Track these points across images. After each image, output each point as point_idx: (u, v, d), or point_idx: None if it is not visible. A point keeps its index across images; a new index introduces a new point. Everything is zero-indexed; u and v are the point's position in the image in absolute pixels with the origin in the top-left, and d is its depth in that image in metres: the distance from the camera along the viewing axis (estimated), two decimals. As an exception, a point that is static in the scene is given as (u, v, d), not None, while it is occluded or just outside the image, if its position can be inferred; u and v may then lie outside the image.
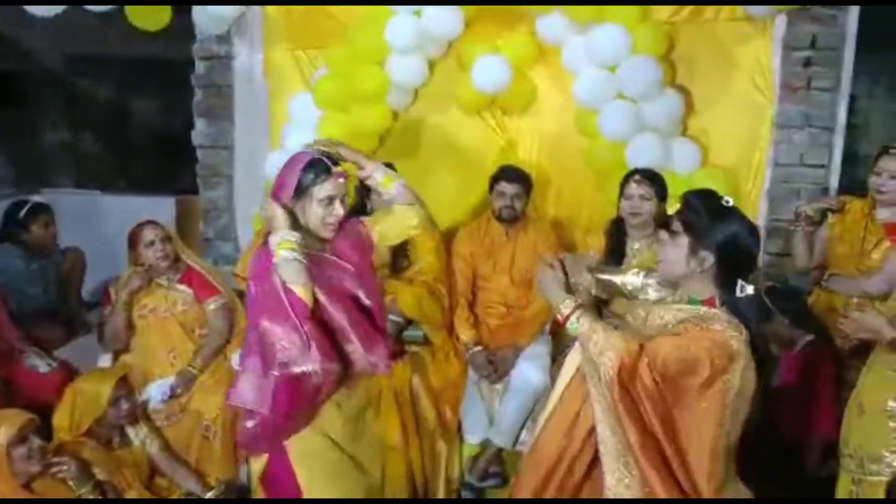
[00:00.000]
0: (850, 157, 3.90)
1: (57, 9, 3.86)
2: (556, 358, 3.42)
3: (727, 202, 1.96)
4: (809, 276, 3.36)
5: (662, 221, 2.01)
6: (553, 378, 3.32)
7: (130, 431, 3.00)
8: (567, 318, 2.02)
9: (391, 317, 3.40)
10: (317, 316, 2.06)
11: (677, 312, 1.97)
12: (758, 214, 3.86)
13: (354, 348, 2.14)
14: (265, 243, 2.12)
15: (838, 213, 3.22)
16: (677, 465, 1.87)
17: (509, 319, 3.56)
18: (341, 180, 2.12)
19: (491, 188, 3.57)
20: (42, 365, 3.34)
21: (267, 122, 4.36)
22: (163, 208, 5.08)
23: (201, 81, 4.42)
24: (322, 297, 2.08)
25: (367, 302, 2.20)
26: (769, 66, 3.74)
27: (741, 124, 3.81)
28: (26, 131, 6.00)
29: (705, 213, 1.93)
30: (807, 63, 3.68)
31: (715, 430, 1.86)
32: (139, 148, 6.23)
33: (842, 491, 2.43)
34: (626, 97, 3.61)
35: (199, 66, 4.40)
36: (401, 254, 3.51)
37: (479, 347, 3.42)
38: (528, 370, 3.34)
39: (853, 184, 3.85)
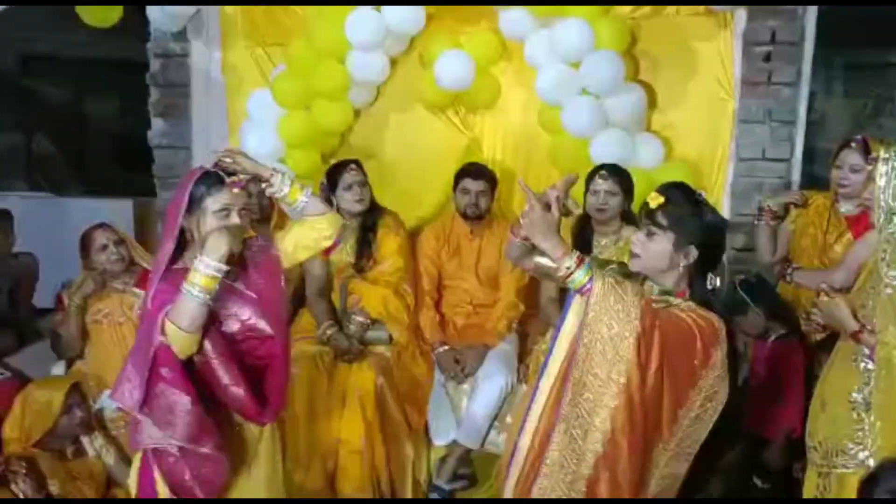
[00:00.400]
0: (808, 153, 3.93)
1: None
2: (524, 357, 3.40)
3: (700, 196, 1.97)
4: (773, 270, 3.37)
5: (647, 215, 1.96)
6: (521, 377, 3.31)
7: (85, 441, 2.89)
8: (570, 273, 1.83)
9: (356, 317, 3.35)
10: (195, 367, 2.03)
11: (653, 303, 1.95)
12: (721, 209, 3.86)
13: (234, 399, 2.08)
14: (174, 269, 2.05)
15: (801, 207, 3.24)
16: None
17: (476, 318, 3.53)
18: (236, 190, 2.07)
19: (455, 186, 3.53)
20: None
21: (226, 121, 4.26)
22: (121, 211, 4.98)
23: (157, 80, 4.29)
24: (208, 349, 2.04)
25: (267, 331, 2.13)
26: (730, 61, 3.74)
27: (704, 119, 3.81)
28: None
29: (689, 208, 1.92)
30: (767, 58, 3.69)
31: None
32: (96, 150, 6.10)
33: (810, 485, 2.42)
34: (589, 93, 3.59)
35: (155, 65, 4.27)
36: (365, 254, 3.45)
37: (446, 347, 3.38)
38: (496, 370, 3.30)
39: (812, 179, 3.89)
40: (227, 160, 2.21)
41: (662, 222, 1.92)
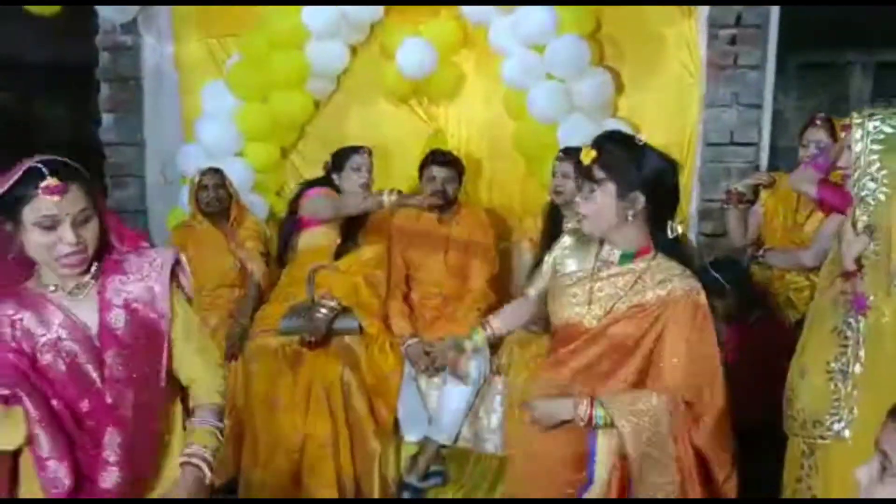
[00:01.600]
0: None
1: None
2: (496, 348, 3.30)
3: (640, 140, 1.89)
4: (745, 253, 3.33)
5: (583, 172, 1.87)
6: (494, 369, 3.21)
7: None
8: (591, 416, 1.85)
9: (326, 302, 3.20)
10: None
11: (620, 277, 1.87)
12: (690, 195, 3.82)
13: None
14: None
15: (770, 188, 3.20)
16: None
17: (446, 310, 3.41)
18: (56, 198, 1.55)
19: (420, 174, 3.43)
20: None
21: (179, 115, 4.11)
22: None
23: (107, 75, 4.14)
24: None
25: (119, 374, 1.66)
26: (695, 45, 3.71)
27: (671, 104, 3.77)
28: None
29: (626, 154, 1.84)
30: (732, 41, 3.66)
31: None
32: (44, 151, 5.86)
33: (793, 453, 2.35)
34: (554, 77, 3.52)
35: (104, 58, 4.12)
36: (351, 236, 3.39)
37: (416, 339, 3.25)
38: (468, 363, 3.19)
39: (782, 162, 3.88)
40: None
41: (599, 175, 1.83)
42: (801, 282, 3.06)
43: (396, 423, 3.22)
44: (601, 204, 1.85)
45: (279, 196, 4.03)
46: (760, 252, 3.19)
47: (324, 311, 3.19)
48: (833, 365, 2.23)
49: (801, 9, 3.74)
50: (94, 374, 1.65)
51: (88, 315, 1.66)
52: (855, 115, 2.10)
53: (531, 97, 3.55)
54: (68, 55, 4.69)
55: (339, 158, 3.36)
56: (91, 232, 1.63)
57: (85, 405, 1.65)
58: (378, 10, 3.66)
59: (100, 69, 4.13)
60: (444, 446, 3.19)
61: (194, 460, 1.72)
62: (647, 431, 1.81)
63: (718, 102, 3.71)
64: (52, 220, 1.56)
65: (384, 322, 3.30)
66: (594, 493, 1.90)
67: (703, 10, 3.68)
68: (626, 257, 1.88)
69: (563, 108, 3.53)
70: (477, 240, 3.39)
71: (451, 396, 3.16)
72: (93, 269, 1.68)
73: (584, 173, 1.86)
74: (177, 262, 1.80)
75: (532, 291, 2.25)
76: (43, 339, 1.61)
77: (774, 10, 3.67)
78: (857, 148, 2.08)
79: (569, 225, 3.14)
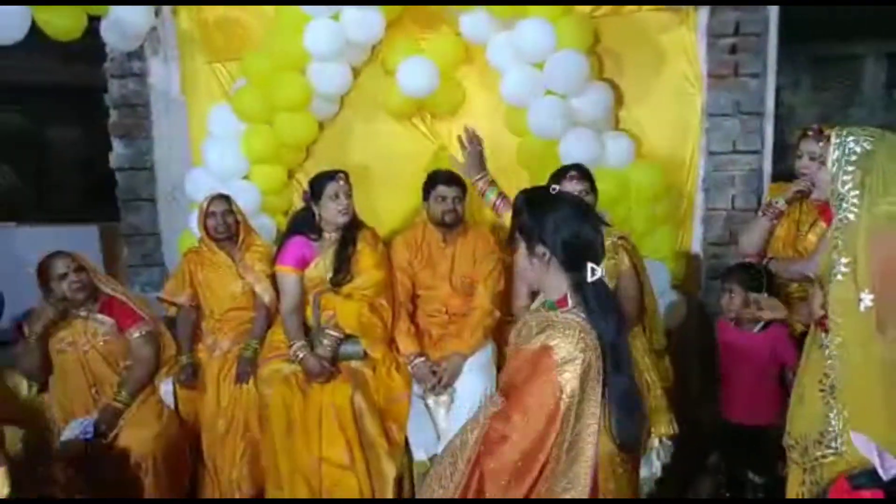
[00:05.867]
0: (779, 147, 3.90)
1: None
2: (502, 365, 3.33)
3: (553, 189, 1.95)
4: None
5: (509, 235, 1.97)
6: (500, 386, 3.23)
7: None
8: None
9: (329, 332, 3.27)
10: None
11: (536, 321, 1.90)
12: (694, 204, 3.83)
13: None
14: None
15: (807, 195, 3.15)
16: None
17: (452, 328, 3.44)
18: None
19: (426, 194, 3.44)
20: None
21: (188, 139, 4.17)
22: (86, 237, 4.86)
23: (116, 101, 4.20)
24: None
25: None
26: (695, 55, 3.73)
27: (672, 115, 3.79)
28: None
29: (526, 209, 1.89)
30: (732, 50, 3.67)
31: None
32: (59, 177, 5.97)
33: (793, 483, 2.37)
34: (554, 93, 3.55)
35: (113, 85, 4.18)
36: (343, 269, 3.36)
37: (422, 359, 3.29)
38: (474, 379, 3.23)
39: (786, 174, 3.87)
40: None
41: (515, 236, 1.93)
42: (804, 291, 3.06)
43: (408, 441, 3.26)
44: (520, 261, 1.93)
45: (286, 216, 4.08)
46: (764, 261, 3.19)
47: (326, 342, 3.25)
48: (825, 382, 2.26)
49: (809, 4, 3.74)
50: None
51: None
52: (833, 134, 2.11)
53: (531, 113, 3.57)
54: (80, 79, 4.76)
55: (316, 187, 3.33)
56: None
57: None
58: (379, 31, 3.69)
59: (109, 96, 4.19)
60: (453, 463, 3.23)
61: None
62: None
63: (720, 111, 3.73)
64: None
65: (389, 346, 3.34)
66: None
67: (702, 20, 3.69)
68: (549, 304, 1.90)
69: (563, 123, 3.55)
70: (481, 257, 3.42)
71: (458, 414, 3.18)
72: None
73: (507, 239, 1.99)
74: None
75: None
76: None
77: (773, 18, 3.67)
78: (833, 168, 2.10)
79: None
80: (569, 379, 1.76)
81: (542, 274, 1.88)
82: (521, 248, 1.90)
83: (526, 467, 1.80)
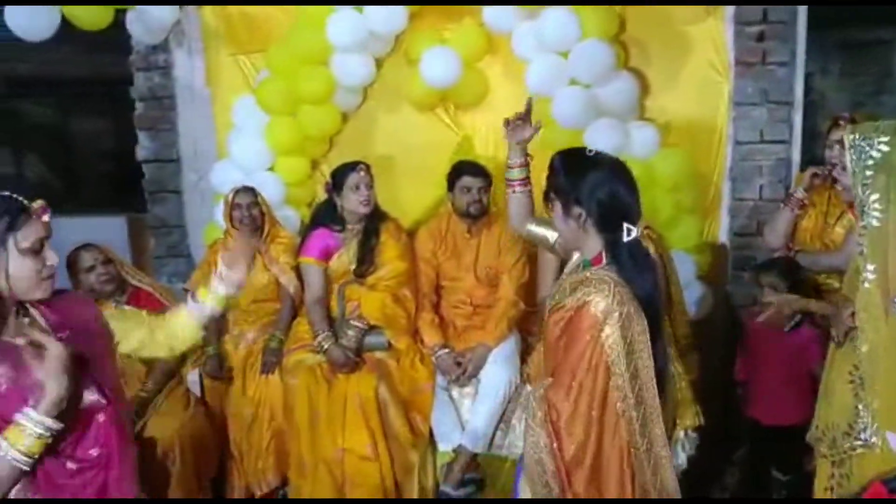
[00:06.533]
0: (808, 135, 3.85)
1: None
2: (526, 356, 3.33)
3: (590, 152, 1.92)
4: (774, 254, 3.30)
5: (545, 194, 1.96)
6: (524, 377, 3.23)
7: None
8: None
9: (353, 323, 3.29)
10: None
11: (571, 282, 1.89)
12: (721, 194, 3.79)
13: None
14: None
15: (825, 179, 3.11)
16: None
17: (476, 319, 3.44)
18: (46, 218, 1.61)
19: (451, 185, 3.44)
20: None
21: (213, 131, 4.19)
22: (115, 228, 4.92)
23: (141, 94, 4.23)
24: None
25: (97, 400, 1.67)
26: (722, 43, 3.67)
27: (699, 104, 3.74)
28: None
29: (563, 171, 1.89)
30: (760, 37, 3.61)
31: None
32: (87, 168, 6.04)
33: (821, 478, 2.34)
34: (579, 82, 3.52)
35: (138, 78, 4.21)
36: (367, 260, 3.38)
37: (446, 350, 3.30)
38: (499, 371, 3.24)
39: (815, 162, 3.81)
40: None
41: (549, 196, 1.92)
42: (832, 284, 3.02)
43: (432, 432, 3.27)
44: (557, 222, 1.93)
45: (311, 208, 4.09)
46: (790, 254, 3.16)
47: (350, 332, 3.26)
48: (854, 374, 2.22)
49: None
50: None
51: None
52: (845, 137, 2.04)
53: (556, 103, 3.54)
54: (107, 72, 4.79)
55: (338, 178, 3.35)
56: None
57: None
58: (402, 21, 3.68)
59: (134, 89, 4.22)
60: (478, 454, 3.23)
61: None
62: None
63: (747, 100, 3.68)
64: (40, 242, 1.60)
65: (413, 337, 3.35)
66: None
67: (729, 8, 3.64)
68: (584, 264, 1.91)
69: (588, 113, 3.52)
70: (506, 248, 3.41)
71: (482, 405, 3.20)
72: None
73: (543, 197, 1.96)
74: None
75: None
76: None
77: (802, 6, 3.60)
78: (851, 174, 2.03)
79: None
80: (609, 333, 1.76)
81: (577, 234, 1.88)
82: (557, 207, 1.89)
83: (598, 433, 1.77)
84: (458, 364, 3.27)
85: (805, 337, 2.98)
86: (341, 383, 3.17)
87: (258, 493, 3.36)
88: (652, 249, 2.90)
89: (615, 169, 1.88)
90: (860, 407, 2.17)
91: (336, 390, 3.16)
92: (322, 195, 3.80)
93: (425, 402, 3.24)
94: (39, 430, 1.51)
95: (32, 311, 1.67)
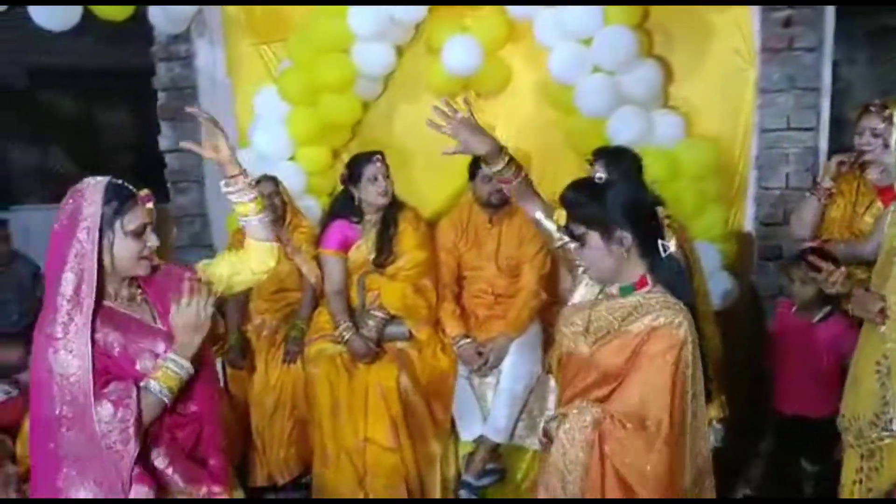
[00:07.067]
0: (835, 122, 3.78)
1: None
2: (548, 347, 3.30)
3: (599, 179, 1.90)
4: (801, 244, 3.25)
5: (566, 233, 1.90)
6: (546, 367, 3.22)
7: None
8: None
9: (374, 313, 3.28)
10: None
11: (617, 309, 1.87)
12: (747, 183, 3.74)
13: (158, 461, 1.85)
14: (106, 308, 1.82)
15: (852, 167, 3.06)
16: None
17: (498, 309, 3.42)
18: (150, 205, 1.85)
19: (472, 174, 3.41)
20: None
21: (234, 120, 4.19)
22: (136, 219, 4.94)
23: (163, 84, 4.24)
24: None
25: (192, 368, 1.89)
26: (748, 29, 3.61)
27: (724, 91, 3.68)
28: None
29: (594, 200, 1.84)
30: (787, 23, 3.55)
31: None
32: (109, 159, 6.08)
33: (849, 470, 2.32)
34: (602, 70, 3.48)
35: (160, 68, 4.22)
36: (385, 249, 3.37)
37: (468, 340, 3.29)
38: (520, 360, 3.22)
39: (842, 149, 3.75)
40: (209, 131, 2.07)
41: (579, 231, 1.85)
42: (860, 274, 2.96)
43: (454, 422, 3.27)
44: (595, 255, 1.85)
45: (331, 197, 4.09)
46: (818, 244, 3.11)
47: (371, 323, 3.26)
48: (882, 363, 2.20)
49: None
50: None
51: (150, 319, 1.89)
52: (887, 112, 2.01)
53: (579, 91, 3.50)
54: (129, 62, 4.81)
55: (354, 169, 3.33)
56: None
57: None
58: (422, 9, 3.66)
59: (156, 79, 4.24)
60: (499, 444, 3.22)
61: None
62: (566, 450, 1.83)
63: (774, 87, 3.62)
64: (144, 226, 1.82)
65: (434, 327, 3.34)
66: None
67: (756, -7, 3.58)
68: (626, 290, 1.87)
69: (611, 101, 3.48)
70: (528, 238, 3.38)
71: (503, 396, 3.19)
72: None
73: (567, 234, 1.89)
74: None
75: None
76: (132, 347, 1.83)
77: (830, -11, 3.54)
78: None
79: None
80: (688, 357, 1.77)
81: (620, 261, 1.84)
82: (593, 239, 1.84)
83: (664, 456, 1.76)
84: (480, 354, 3.25)
85: (836, 328, 2.93)
86: (363, 373, 3.18)
87: (281, 482, 3.38)
88: (674, 240, 2.88)
89: (636, 183, 1.87)
90: (887, 396, 2.15)
91: (357, 380, 3.16)
92: (342, 185, 3.79)
93: (447, 393, 3.23)
94: (181, 373, 1.81)
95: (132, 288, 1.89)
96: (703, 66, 3.68)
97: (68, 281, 1.74)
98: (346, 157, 4.06)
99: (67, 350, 1.72)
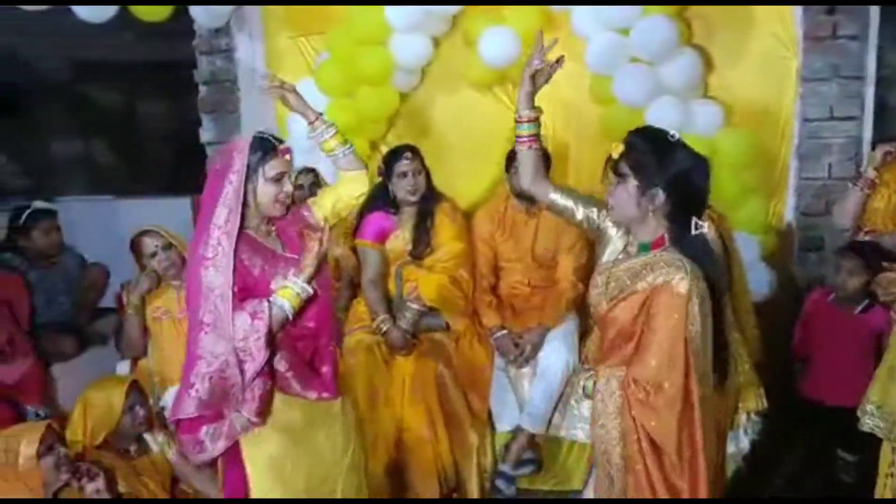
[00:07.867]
0: (880, 110, 3.71)
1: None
2: (585, 337, 3.30)
3: (672, 137, 1.88)
4: (844, 234, 3.21)
5: (612, 167, 1.92)
6: (583, 358, 3.21)
7: (148, 438, 2.91)
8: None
9: (411, 304, 3.31)
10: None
11: (632, 267, 1.90)
12: (789, 173, 3.69)
13: (287, 374, 2.18)
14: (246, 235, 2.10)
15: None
16: None
17: (534, 300, 3.43)
18: (287, 157, 2.14)
19: (509, 166, 3.42)
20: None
21: (273, 113, 4.24)
22: (179, 209, 5.02)
23: (204, 77, 4.32)
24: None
25: (311, 290, 2.18)
26: (790, 17, 3.57)
27: (765, 80, 3.65)
28: (35, 141, 5.95)
29: (650, 151, 1.85)
30: (831, 10, 3.49)
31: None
32: (151, 151, 6.18)
33: (883, 464, 2.29)
34: (641, 60, 3.45)
35: (201, 62, 4.30)
36: (423, 241, 3.39)
37: (504, 331, 3.30)
38: (557, 351, 3.21)
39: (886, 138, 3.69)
40: (276, 92, 2.33)
41: (624, 170, 1.87)
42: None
43: (490, 412, 3.28)
44: (623, 197, 1.88)
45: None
46: (860, 235, 3.07)
47: (408, 314, 3.28)
48: None
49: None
50: None
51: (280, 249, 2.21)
52: None
53: (617, 81, 3.49)
54: (170, 56, 4.89)
55: (387, 164, 3.36)
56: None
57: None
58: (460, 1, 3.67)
59: (197, 72, 4.31)
60: (536, 434, 3.23)
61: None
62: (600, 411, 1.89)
63: (816, 76, 3.57)
64: (281, 174, 2.11)
65: (471, 318, 3.35)
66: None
67: (798, -21, 3.53)
68: (644, 247, 1.90)
69: (650, 91, 3.46)
70: (564, 230, 3.37)
71: (540, 386, 3.18)
72: None
73: (611, 167, 1.92)
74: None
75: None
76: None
77: (875, -24, 3.47)
78: None
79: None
80: (694, 312, 1.77)
81: (644, 215, 1.87)
82: (630, 185, 1.86)
83: (687, 414, 1.78)
84: (517, 345, 3.26)
85: (879, 318, 2.90)
86: (400, 364, 3.20)
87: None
88: (713, 229, 2.85)
89: (703, 164, 1.87)
90: None
91: (395, 371, 3.19)
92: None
93: (484, 383, 3.25)
94: (303, 294, 2.11)
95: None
96: (743, 55, 3.64)
97: (220, 214, 2.04)
98: (383, 149, 4.09)
99: (216, 268, 2.02)
